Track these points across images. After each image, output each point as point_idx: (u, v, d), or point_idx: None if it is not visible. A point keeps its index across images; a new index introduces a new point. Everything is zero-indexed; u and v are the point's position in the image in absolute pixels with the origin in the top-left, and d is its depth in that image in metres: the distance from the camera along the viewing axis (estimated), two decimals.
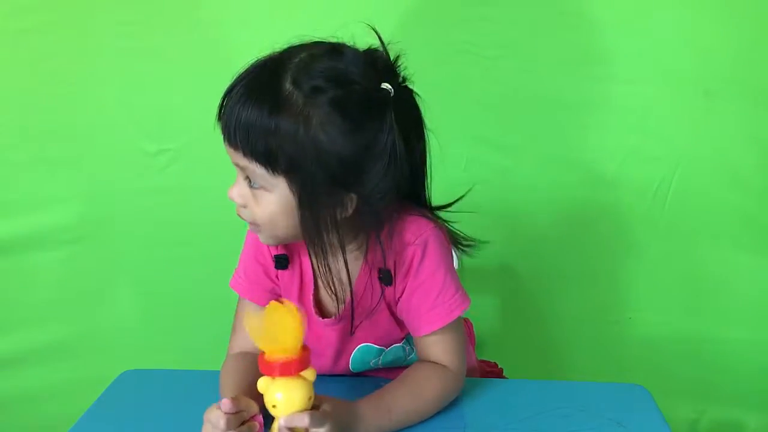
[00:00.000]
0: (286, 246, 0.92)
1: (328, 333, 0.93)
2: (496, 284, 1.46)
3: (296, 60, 0.79)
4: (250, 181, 0.81)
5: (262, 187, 0.80)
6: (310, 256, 0.84)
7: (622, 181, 1.40)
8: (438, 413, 0.87)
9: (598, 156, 1.40)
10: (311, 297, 0.92)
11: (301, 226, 0.81)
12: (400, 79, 0.83)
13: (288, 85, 0.78)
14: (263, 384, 0.72)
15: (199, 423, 0.77)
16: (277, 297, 0.92)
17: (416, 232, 0.87)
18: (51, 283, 1.46)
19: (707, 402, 1.53)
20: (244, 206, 0.83)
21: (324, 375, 0.94)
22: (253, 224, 0.84)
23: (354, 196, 0.81)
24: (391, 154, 0.79)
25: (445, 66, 1.26)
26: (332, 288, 0.86)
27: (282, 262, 0.92)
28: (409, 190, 0.87)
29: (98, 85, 1.37)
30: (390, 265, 0.87)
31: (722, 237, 1.43)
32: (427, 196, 0.91)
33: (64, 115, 1.38)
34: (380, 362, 0.96)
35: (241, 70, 0.82)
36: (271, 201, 0.81)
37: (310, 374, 0.71)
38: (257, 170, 0.79)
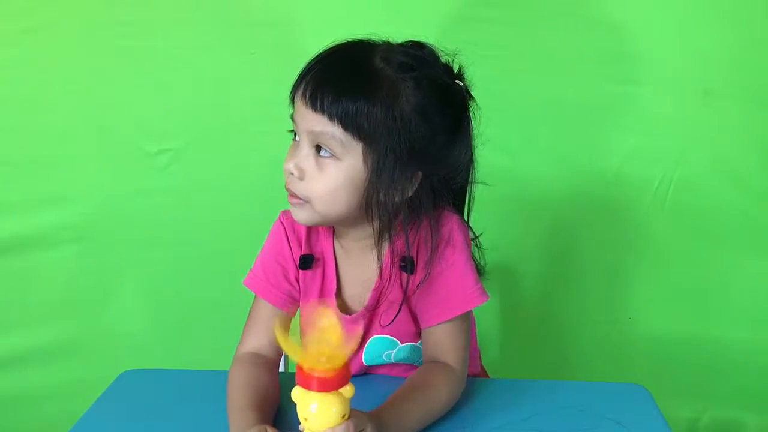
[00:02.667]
0: (310, 246, 0.94)
1: (351, 329, 0.93)
2: (496, 284, 1.46)
3: (381, 44, 0.85)
4: (317, 151, 0.83)
5: (333, 156, 0.82)
6: (374, 233, 0.86)
7: (622, 180, 1.41)
8: None
9: (598, 156, 1.40)
10: (333, 297, 0.93)
11: (367, 200, 0.84)
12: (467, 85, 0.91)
13: (378, 61, 0.83)
14: (298, 394, 0.67)
15: (199, 423, 0.77)
16: (293, 300, 0.94)
17: (443, 221, 0.90)
18: (51, 283, 1.46)
19: (707, 402, 1.53)
20: (301, 179, 0.84)
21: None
22: (302, 199, 0.85)
23: (420, 174, 0.84)
24: (463, 142, 0.88)
25: None
26: (381, 272, 0.89)
27: (307, 262, 0.93)
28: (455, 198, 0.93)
29: (98, 85, 1.37)
30: (414, 253, 0.89)
31: (722, 237, 1.43)
32: (466, 212, 0.95)
33: (64, 115, 1.38)
34: (393, 357, 0.97)
35: (322, 50, 0.85)
36: (339, 170, 0.82)
37: (348, 391, 0.67)
38: (337, 134, 0.81)
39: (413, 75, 0.83)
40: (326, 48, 0.86)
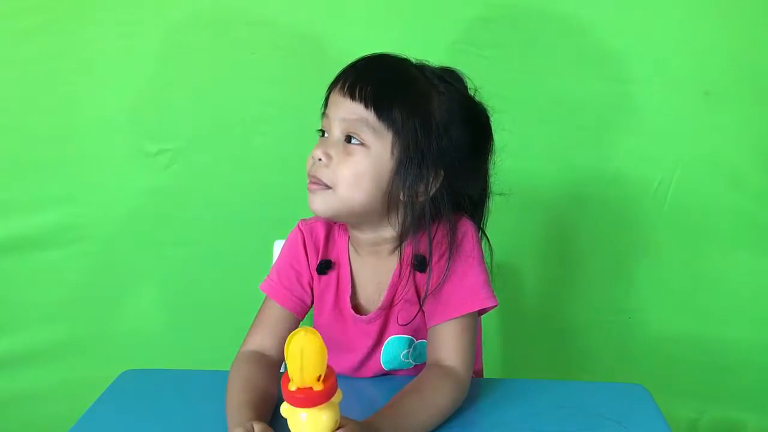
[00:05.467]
0: (327, 253, 0.97)
1: (368, 329, 0.96)
2: (496, 283, 1.46)
3: (410, 59, 0.92)
4: (347, 141, 0.87)
5: (362, 143, 0.87)
6: (401, 223, 0.90)
7: (622, 181, 1.41)
8: None
9: (598, 156, 1.40)
10: (348, 299, 0.96)
11: (390, 194, 0.88)
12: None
13: (413, 69, 0.90)
14: (287, 409, 0.67)
15: (199, 423, 0.77)
16: (304, 304, 0.97)
17: (458, 226, 0.93)
18: (50, 283, 1.46)
19: (707, 402, 1.53)
20: (328, 165, 0.87)
21: (350, 377, 0.98)
22: (325, 186, 0.88)
23: (442, 175, 0.89)
24: (482, 157, 0.95)
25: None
26: (401, 270, 0.93)
27: (325, 267, 0.96)
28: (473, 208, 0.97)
29: (98, 85, 1.37)
30: (426, 253, 0.91)
31: (722, 237, 1.43)
32: (482, 222, 0.99)
33: (64, 115, 1.38)
34: (410, 355, 0.97)
35: (356, 59, 0.91)
36: (366, 157, 0.87)
37: (336, 397, 0.68)
38: (371, 120, 0.86)
39: (445, 86, 0.90)
40: (360, 57, 0.91)
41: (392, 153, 0.87)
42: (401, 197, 0.88)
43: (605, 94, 1.37)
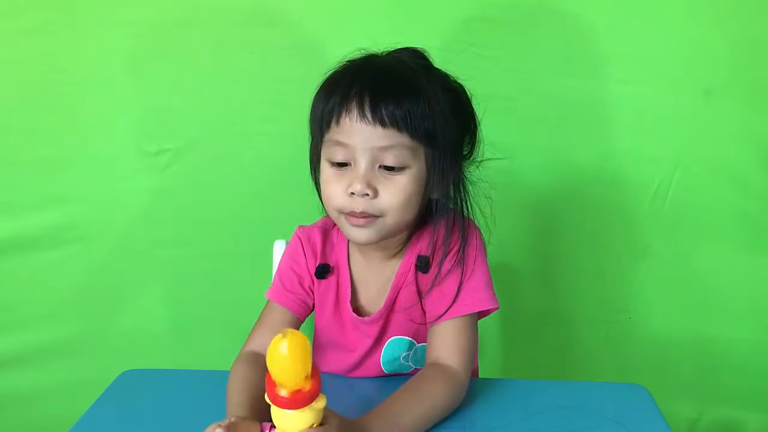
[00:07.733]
0: (325, 257, 0.96)
1: (369, 330, 0.96)
2: (495, 283, 1.46)
3: (391, 53, 0.89)
4: (379, 166, 0.84)
5: (402, 166, 0.84)
6: (446, 222, 0.90)
7: (622, 181, 1.41)
8: None
9: (598, 156, 1.40)
10: (348, 303, 0.96)
11: (423, 199, 0.87)
12: None
13: (405, 67, 0.87)
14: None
15: (200, 423, 0.77)
16: (305, 306, 0.97)
17: (464, 224, 0.93)
18: (50, 283, 1.46)
19: (707, 402, 1.53)
20: (375, 197, 0.85)
21: (350, 377, 0.98)
22: (373, 216, 0.86)
23: (459, 169, 0.90)
24: (476, 140, 0.94)
25: (444, 66, 1.27)
26: (405, 272, 0.92)
27: (324, 271, 0.96)
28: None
29: (98, 85, 1.37)
30: (431, 252, 0.92)
31: (722, 237, 1.43)
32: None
33: (64, 115, 1.38)
34: (410, 358, 0.98)
35: (346, 68, 0.87)
36: (409, 178, 0.85)
37: (319, 402, 0.68)
38: (406, 143, 0.84)
39: (434, 74, 0.89)
40: (347, 65, 0.88)
41: (426, 163, 0.86)
42: (433, 196, 0.89)
43: (605, 94, 1.37)
